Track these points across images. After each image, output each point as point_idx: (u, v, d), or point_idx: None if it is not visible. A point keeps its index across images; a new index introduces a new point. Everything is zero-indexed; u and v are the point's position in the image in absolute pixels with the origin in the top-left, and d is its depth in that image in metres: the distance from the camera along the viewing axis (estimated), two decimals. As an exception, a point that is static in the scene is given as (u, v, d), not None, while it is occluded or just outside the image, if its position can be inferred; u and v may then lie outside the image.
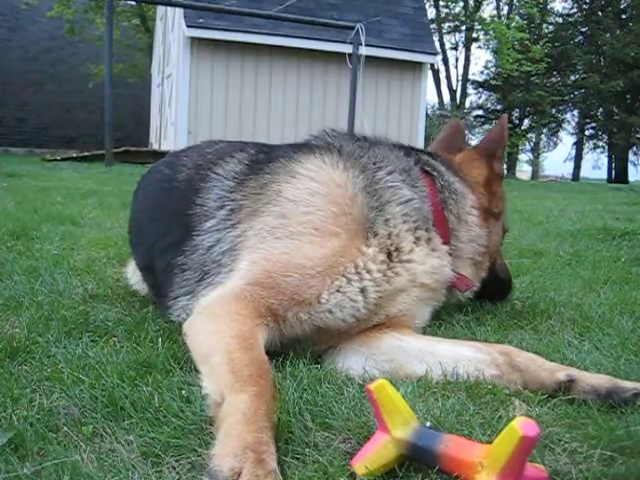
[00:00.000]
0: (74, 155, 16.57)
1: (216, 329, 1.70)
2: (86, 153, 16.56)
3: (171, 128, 17.20)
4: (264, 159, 2.29)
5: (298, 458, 1.34)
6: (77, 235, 4.19)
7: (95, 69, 22.58)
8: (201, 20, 15.21)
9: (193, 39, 15.55)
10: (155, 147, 19.32)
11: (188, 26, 15.23)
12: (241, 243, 2.03)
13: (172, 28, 18.02)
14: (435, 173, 2.36)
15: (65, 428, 1.43)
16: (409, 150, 2.47)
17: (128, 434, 1.40)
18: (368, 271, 1.95)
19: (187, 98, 15.81)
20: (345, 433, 1.46)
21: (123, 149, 15.32)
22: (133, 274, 2.81)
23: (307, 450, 1.36)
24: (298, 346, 1.93)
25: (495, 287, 2.64)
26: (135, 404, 1.52)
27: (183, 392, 1.61)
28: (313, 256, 1.89)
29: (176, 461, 1.32)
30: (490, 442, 1.27)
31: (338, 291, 1.90)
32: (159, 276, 2.31)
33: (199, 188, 2.26)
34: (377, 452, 1.32)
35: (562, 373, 1.74)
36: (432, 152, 2.59)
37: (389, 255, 2.03)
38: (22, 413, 1.46)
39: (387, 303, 2.02)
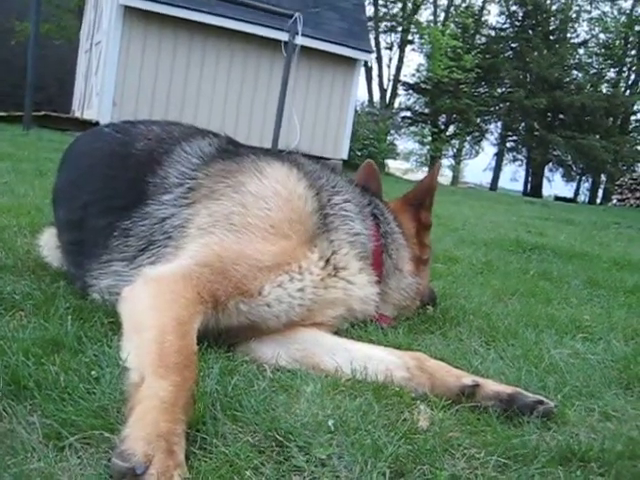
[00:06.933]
0: (-11, 114, 15.81)
1: (157, 305, 1.68)
2: (2, 113, 15.83)
3: (96, 98, 16.60)
4: (233, 150, 2.34)
5: (205, 449, 1.33)
6: (-14, 200, 4.02)
7: (19, 26, 21.57)
8: (136, -11, 14.76)
9: (126, 8, 15.05)
10: (77, 115, 18.64)
11: (122, -6, 14.76)
12: (192, 221, 2.04)
13: (106, -6, 17.43)
14: (381, 218, 2.47)
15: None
16: (364, 189, 2.56)
17: (30, 414, 1.36)
18: (310, 273, 2.03)
19: (115, 68, 15.29)
20: (253, 426, 1.47)
21: (43, 113, 14.70)
22: (47, 242, 2.72)
23: (215, 441, 1.36)
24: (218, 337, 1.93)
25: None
26: (40, 384, 1.48)
27: (93, 373, 1.57)
28: (264, 250, 1.95)
29: (80, 443, 1.29)
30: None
31: (280, 286, 1.95)
32: (91, 234, 2.26)
33: (161, 160, 2.26)
34: None
35: (468, 379, 1.81)
36: (379, 197, 2.69)
37: (335, 270, 2.12)
38: None
39: (317, 311, 2.08)
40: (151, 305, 1.69)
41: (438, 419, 1.65)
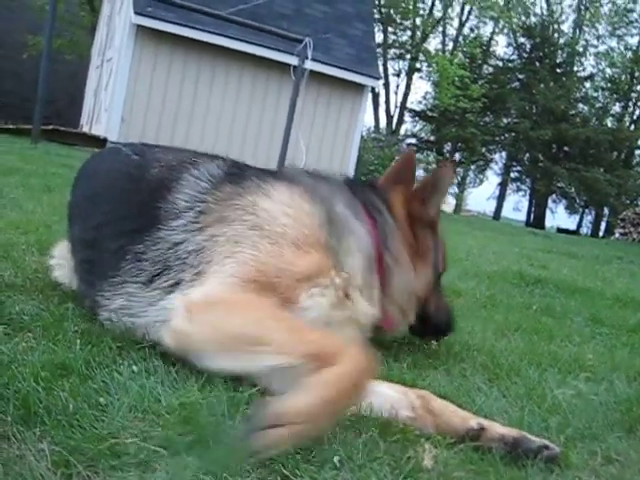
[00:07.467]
0: (-1, 126, 15.92)
1: (253, 306, 1.80)
2: (11, 126, 15.93)
3: (105, 113, 16.74)
4: (239, 173, 2.35)
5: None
6: (-5, 216, 4.01)
7: (32, 40, 21.77)
8: (150, 9, 14.90)
9: (139, 27, 15.22)
10: (85, 130, 18.77)
11: (136, 13, 14.90)
12: (211, 247, 2.05)
13: (119, 12, 17.60)
14: (377, 215, 2.43)
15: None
16: (356, 187, 2.53)
17: (40, 441, 1.36)
18: (330, 292, 2.08)
19: (125, 85, 15.43)
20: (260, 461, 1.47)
21: (52, 127, 14.80)
22: (60, 255, 2.71)
23: (224, 475, 1.35)
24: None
25: (426, 327, 2.67)
26: (49, 409, 1.48)
27: (101, 399, 1.58)
28: (296, 262, 2.01)
29: (88, 471, 1.30)
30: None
31: (312, 296, 2.02)
32: (104, 255, 2.27)
33: (171, 187, 2.26)
34: None
35: (474, 421, 1.80)
36: (376, 186, 2.64)
37: (347, 290, 2.16)
38: None
39: (334, 330, 2.09)
40: (245, 310, 1.82)
41: (442, 458, 1.65)
